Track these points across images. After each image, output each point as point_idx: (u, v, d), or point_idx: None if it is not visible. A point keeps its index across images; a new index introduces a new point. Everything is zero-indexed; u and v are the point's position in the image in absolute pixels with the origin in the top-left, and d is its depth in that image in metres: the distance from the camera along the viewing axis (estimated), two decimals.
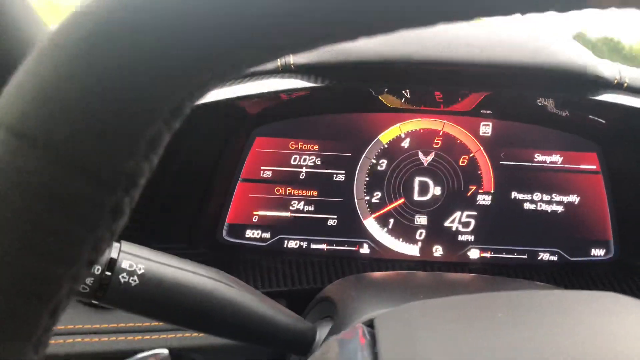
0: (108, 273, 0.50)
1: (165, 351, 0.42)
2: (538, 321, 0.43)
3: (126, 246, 0.53)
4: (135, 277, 0.51)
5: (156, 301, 0.52)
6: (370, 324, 0.46)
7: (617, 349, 0.39)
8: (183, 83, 0.21)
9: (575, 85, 0.79)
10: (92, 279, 0.50)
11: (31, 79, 0.20)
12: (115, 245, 0.52)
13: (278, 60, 0.78)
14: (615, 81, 0.80)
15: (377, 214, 0.96)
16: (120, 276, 0.50)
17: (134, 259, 0.52)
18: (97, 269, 0.50)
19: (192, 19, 0.20)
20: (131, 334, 0.61)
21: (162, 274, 0.52)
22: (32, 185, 0.20)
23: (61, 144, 0.20)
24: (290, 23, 0.21)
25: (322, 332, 0.62)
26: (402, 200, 0.96)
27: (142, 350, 0.48)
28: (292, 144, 0.94)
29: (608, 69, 0.80)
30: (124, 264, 0.51)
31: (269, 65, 0.78)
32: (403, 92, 0.92)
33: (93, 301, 0.51)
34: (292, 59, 0.78)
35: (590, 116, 0.93)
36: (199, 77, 0.22)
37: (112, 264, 0.50)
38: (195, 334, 0.64)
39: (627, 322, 0.43)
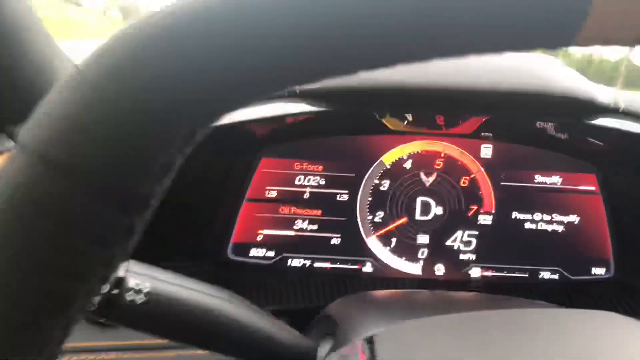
0: (115, 291, 0.52)
1: None
2: (535, 339, 0.44)
3: (133, 265, 0.55)
4: (142, 296, 0.53)
5: (162, 319, 0.54)
6: (370, 341, 0.48)
7: None
8: (195, 113, 0.24)
9: (572, 110, 0.81)
10: (100, 297, 0.52)
11: (58, 108, 0.23)
12: (123, 264, 0.54)
13: None
14: (611, 105, 0.82)
15: (379, 232, 0.98)
16: (126, 295, 0.52)
17: (140, 278, 0.54)
18: (105, 288, 0.52)
19: (202, 57, 0.23)
20: (137, 351, 0.63)
21: (168, 293, 0.54)
22: (54, 207, 0.22)
23: (82, 169, 0.22)
24: (292, 61, 0.23)
25: (323, 350, 0.64)
26: (405, 219, 0.98)
27: None
28: (297, 165, 0.96)
29: (603, 93, 0.82)
30: (131, 283, 0.53)
31: None
32: (405, 115, 0.94)
33: (100, 319, 0.53)
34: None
35: (589, 139, 0.94)
36: (210, 108, 0.24)
37: (119, 282, 0.52)
38: (200, 352, 0.66)
39: (622, 342, 0.45)
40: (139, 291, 0.54)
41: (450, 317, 0.50)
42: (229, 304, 0.57)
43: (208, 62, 0.22)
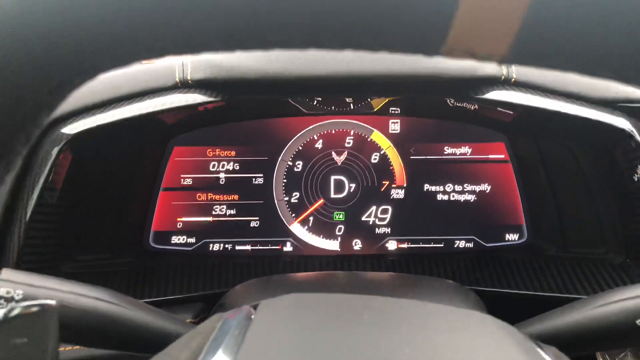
0: None
1: (52, 302, 0.46)
2: (398, 331, 0.45)
3: (7, 273, 0.56)
4: (14, 303, 0.55)
5: None
6: (255, 307, 0.50)
7: None
8: None
9: (461, 86, 0.82)
10: None
11: None
12: None
13: (177, 75, 0.81)
14: (503, 77, 0.83)
15: (299, 216, 1.00)
16: None
17: (12, 286, 0.55)
18: None
19: None
20: None
21: (42, 298, 0.56)
22: None
23: None
24: None
25: None
26: (322, 201, 1.00)
27: None
28: (209, 151, 0.97)
29: (495, 65, 0.83)
30: (1, 291, 0.54)
31: (167, 81, 0.81)
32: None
33: None
34: (189, 75, 0.81)
35: (499, 108, 0.96)
36: None
37: None
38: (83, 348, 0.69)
39: (480, 343, 0.46)
40: (9, 299, 0.55)
41: (335, 296, 0.51)
42: (106, 304, 0.59)
43: None
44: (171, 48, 0.28)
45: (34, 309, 0.43)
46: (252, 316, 0.48)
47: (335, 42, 0.27)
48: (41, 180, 0.77)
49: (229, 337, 0.43)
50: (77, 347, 0.69)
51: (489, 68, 0.82)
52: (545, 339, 0.58)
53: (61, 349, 0.70)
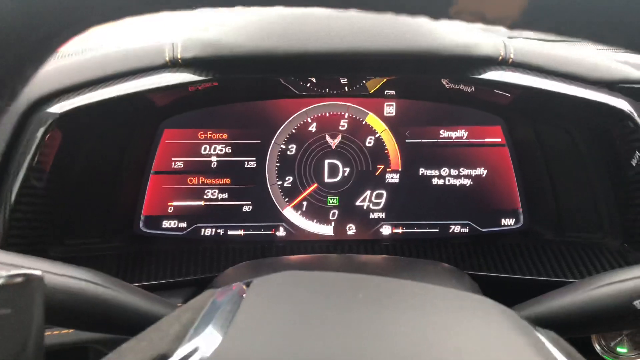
0: None
1: (38, 272, 0.44)
2: (394, 310, 0.44)
3: None
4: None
5: None
6: (248, 284, 0.48)
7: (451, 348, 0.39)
8: None
9: (458, 66, 0.81)
10: None
11: None
12: None
13: (166, 54, 0.79)
14: (500, 57, 0.82)
15: (293, 203, 0.98)
16: None
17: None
18: None
19: None
20: None
21: None
22: None
23: None
24: None
25: None
26: (315, 185, 0.98)
27: None
28: (201, 134, 0.95)
29: (492, 45, 0.81)
30: None
31: (157, 60, 0.79)
32: (308, 77, 0.93)
33: None
34: (179, 54, 0.79)
35: (496, 91, 0.94)
36: None
37: None
38: (71, 330, 0.67)
39: (478, 325, 0.44)
40: None
41: (329, 274, 0.50)
42: (94, 285, 0.57)
43: None
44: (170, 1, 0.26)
45: (19, 279, 0.41)
46: (245, 293, 0.46)
47: (340, 1, 0.25)
48: (27, 162, 0.75)
49: (220, 312, 0.42)
50: (65, 330, 0.67)
51: (486, 48, 0.81)
52: (542, 321, 0.57)
53: (47, 332, 0.69)
